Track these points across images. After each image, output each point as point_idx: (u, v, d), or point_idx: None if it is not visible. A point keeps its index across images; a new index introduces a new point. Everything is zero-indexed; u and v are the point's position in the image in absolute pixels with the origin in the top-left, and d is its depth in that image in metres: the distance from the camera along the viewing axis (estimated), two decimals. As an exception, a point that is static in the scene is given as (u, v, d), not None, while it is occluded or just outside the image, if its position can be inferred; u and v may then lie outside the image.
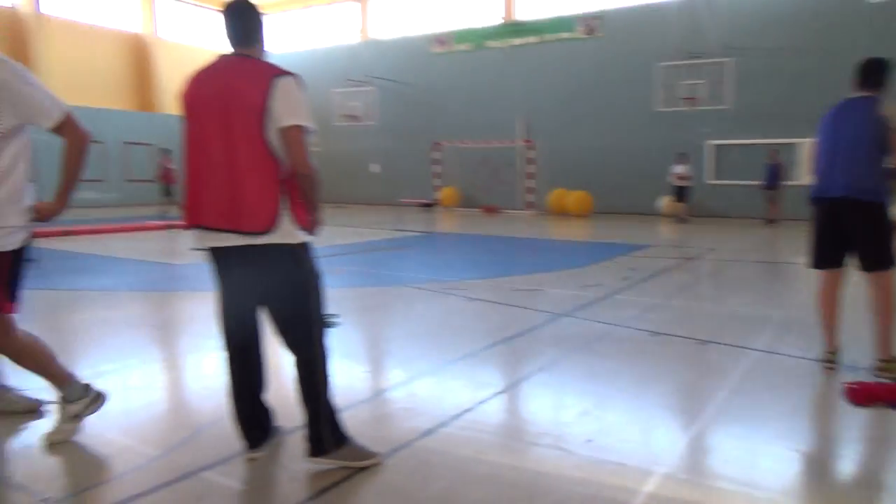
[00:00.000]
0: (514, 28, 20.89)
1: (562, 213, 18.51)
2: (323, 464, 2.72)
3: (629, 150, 18.78)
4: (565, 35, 19.86)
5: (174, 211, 17.41)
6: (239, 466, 2.77)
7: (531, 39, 20.52)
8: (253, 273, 2.65)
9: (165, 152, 18.14)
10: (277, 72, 2.53)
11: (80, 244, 10.99)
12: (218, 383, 3.86)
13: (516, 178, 20.45)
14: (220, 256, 2.70)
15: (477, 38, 21.56)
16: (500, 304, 6.23)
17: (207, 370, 4.25)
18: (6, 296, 2.85)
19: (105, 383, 3.93)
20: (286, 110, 2.50)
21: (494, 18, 21.60)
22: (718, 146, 17.69)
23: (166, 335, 5.38)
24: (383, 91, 22.77)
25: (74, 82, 21.99)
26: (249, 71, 2.57)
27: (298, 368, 2.75)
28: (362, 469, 2.72)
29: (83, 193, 21.40)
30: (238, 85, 2.53)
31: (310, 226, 2.66)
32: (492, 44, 21.25)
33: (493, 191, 20.79)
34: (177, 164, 17.84)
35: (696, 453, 2.99)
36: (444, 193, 20.88)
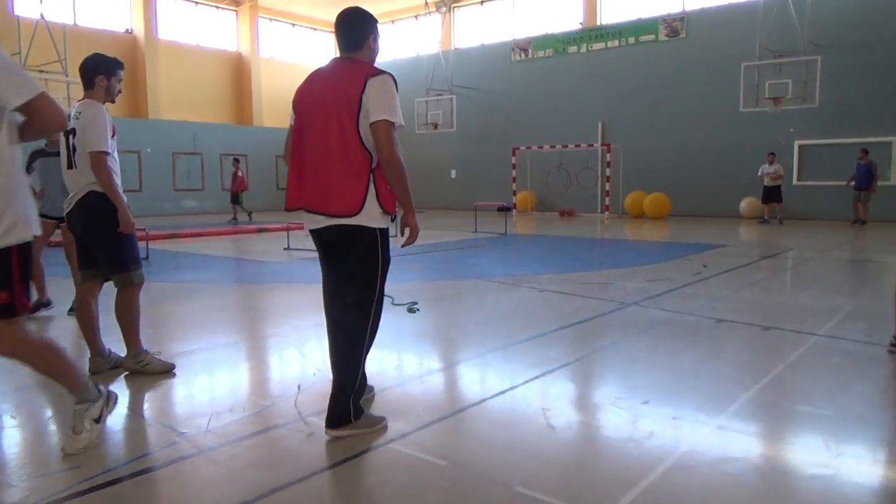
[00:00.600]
0: (594, 33, 21.04)
1: (639, 216, 18.50)
2: (343, 433, 2.93)
3: (711, 152, 18.57)
4: (647, 38, 19.87)
5: (242, 217, 18.49)
6: (337, 414, 3.25)
7: (611, 43, 20.62)
8: (340, 249, 2.96)
9: (236, 161, 19.23)
10: (373, 71, 2.85)
11: (183, 245, 12.03)
12: (314, 351, 4.42)
13: (594, 182, 20.54)
14: (317, 237, 3.08)
15: (556, 44, 21.84)
16: (569, 294, 6.56)
17: (305, 342, 4.81)
18: (22, 293, 2.63)
19: (220, 354, 4.58)
20: (376, 106, 2.79)
21: (573, 24, 21.82)
22: (803, 146, 17.25)
23: (266, 317, 6.02)
24: (463, 99, 23.38)
25: (179, 99, 23.73)
26: (350, 71, 2.90)
27: (343, 340, 2.97)
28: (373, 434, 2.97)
29: (184, 202, 23.07)
30: (339, 83, 2.87)
31: (394, 211, 3.01)
32: (571, 49, 21.48)
33: (569, 194, 20.95)
34: (244, 172, 18.95)
35: (746, 414, 3.25)
36: (521, 197, 21.20)
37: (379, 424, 3.06)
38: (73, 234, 4.00)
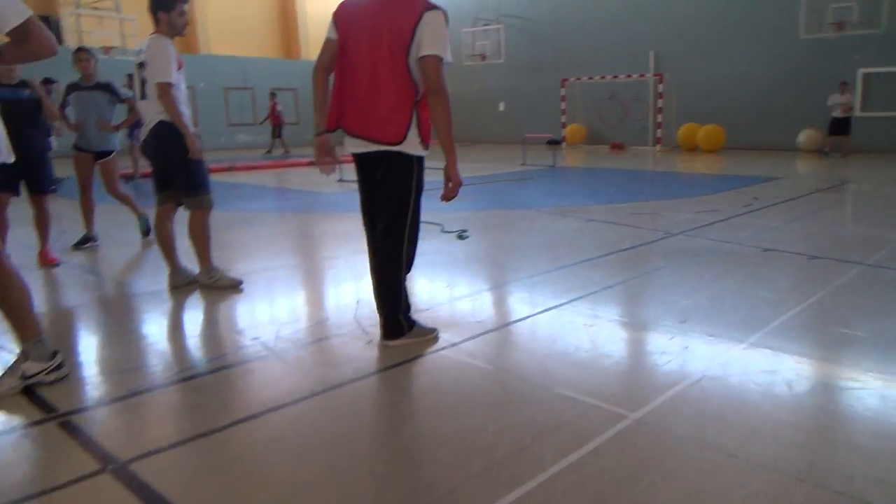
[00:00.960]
0: (648, -44, 20.13)
1: (692, 149, 18.11)
2: (399, 343, 3.19)
3: (768, 82, 17.85)
4: (704, -42, 18.94)
5: (282, 150, 18.87)
6: (393, 326, 3.54)
7: (666, -34, 19.75)
8: (379, 173, 3.08)
9: (273, 95, 19.49)
10: (429, 5, 2.90)
11: (239, 178, 12.45)
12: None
13: (645, 114, 20.07)
14: (359, 160, 3.17)
15: (608, -32, 21.00)
16: (616, 224, 6.67)
17: (362, 264, 5.07)
18: None
19: (282, 274, 4.91)
20: (429, 40, 2.86)
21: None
22: (867, 75, 16.43)
23: (323, 243, 6.33)
24: (512, 29, 22.86)
25: (227, 34, 23.91)
26: (403, 1, 2.94)
27: (386, 264, 3.14)
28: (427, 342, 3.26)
29: (237, 136, 23.58)
30: (391, 11, 2.91)
31: (429, 144, 3.09)
32: (624, -26, 20.67)
33: (620, 127, 20.57)
34: (283, 106, 19.20)
35: (780, 334, 3.39)
36: (570, 130, 20.92)
37: (431, 334, 3.32)
38: (149, 160, 4.31)
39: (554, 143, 16.45)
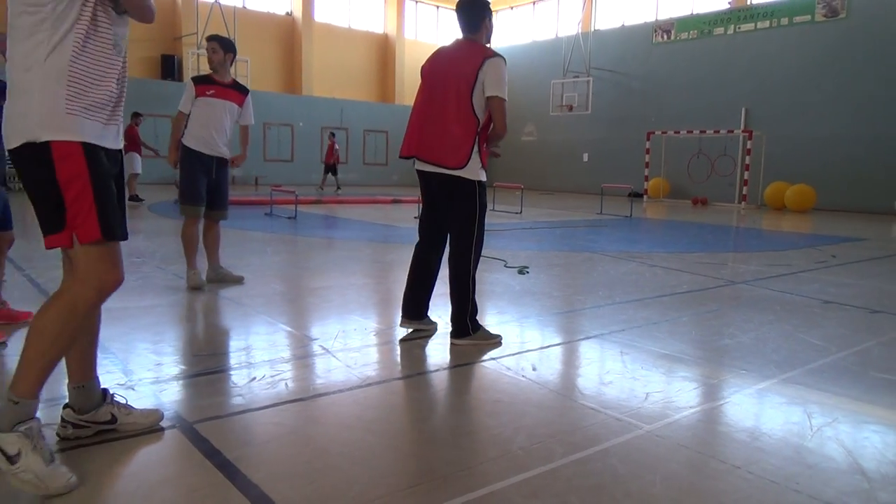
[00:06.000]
0: (743, 13, 20.14)
1: (779, 208, 17.66)
2: (464, 342, 3.67)
3: (867, 143, 17.29)
4: (802, 18, 18.78)
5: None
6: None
7: (761, 24, 19.70)
8: (444, 194, 3.69)
9: (333, 135, 20.64)
10: (489, 53, 3.55)
11: (327, 210, 13.19)
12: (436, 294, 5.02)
13: (731, 170, 19.75)
14: (425, 180, 3.76)
15: (702, 25, 21.14)
16: (678, 270, 6.73)
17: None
18: None
19: (352, 289, 5.31)
20: (492, 83, 3.51)
21: (721, 4, 20.99)
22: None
23: (393, 267, 6.70)
24: (601, 81, 23.21)
25: (329, 77, 25.45)
26: (469, 51, 3.63)
27: (455, 273, 3.68)
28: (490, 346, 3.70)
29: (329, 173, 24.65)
30: (459, 59, 3.60)
31: (486, 166, 3.67)
32: (717, 31, 20.71)
33: (705, 182, 20.32)
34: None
35: (816, 372, 3.44)
36: (653, 183, 20.82)
37: (494, 339, 3.75)
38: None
39: (634, 195, 16.47)
